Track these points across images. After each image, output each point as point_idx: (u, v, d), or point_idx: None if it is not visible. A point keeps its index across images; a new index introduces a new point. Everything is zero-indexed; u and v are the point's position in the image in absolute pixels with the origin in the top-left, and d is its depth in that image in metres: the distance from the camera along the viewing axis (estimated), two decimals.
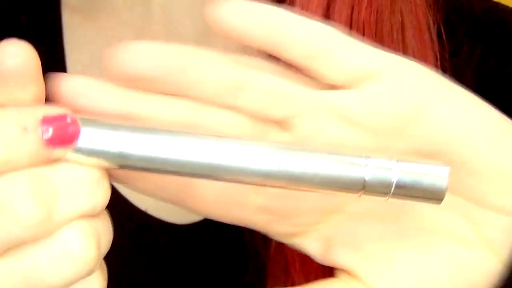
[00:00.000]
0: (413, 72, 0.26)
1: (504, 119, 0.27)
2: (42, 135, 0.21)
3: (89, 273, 0.23)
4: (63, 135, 0.22)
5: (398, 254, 0.28)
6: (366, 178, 0.24)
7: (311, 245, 0.29)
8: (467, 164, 0.26)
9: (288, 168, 0.23)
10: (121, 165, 0.23)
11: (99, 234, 0.23)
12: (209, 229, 0.47)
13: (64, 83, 0.23)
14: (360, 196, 0.24)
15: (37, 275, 0.22)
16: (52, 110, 0.22)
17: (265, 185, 0.24)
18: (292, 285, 0.43)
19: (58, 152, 0.22)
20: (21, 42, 0.21)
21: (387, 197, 0.24)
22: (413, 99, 0.25)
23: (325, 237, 0.29)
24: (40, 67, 0.22)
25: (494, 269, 0.27)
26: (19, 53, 0.21)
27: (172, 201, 0.27)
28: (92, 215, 0.23)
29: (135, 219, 0.45)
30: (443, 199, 0.25)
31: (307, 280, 0.42)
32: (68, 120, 0.22)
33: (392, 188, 0.24)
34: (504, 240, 0.27)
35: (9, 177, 0.21)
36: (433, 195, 0.24)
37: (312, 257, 0.29)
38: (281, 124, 0.26)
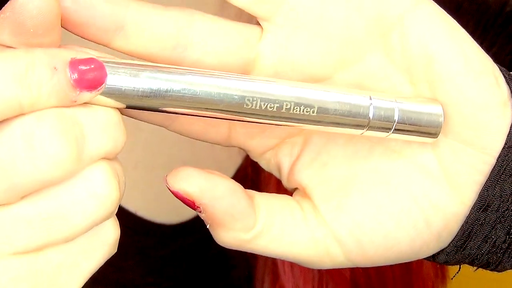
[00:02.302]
0: None
1: (482, 52, 0.26)
2: (70, 77, 0.21)
3: (111, 214, 0.23)
4: (90, 79, 0.22)
5: (356, 180, 0.28)
6: (370, 116, 0.25)
7: (282, 159, 0.29)
8: (443, 93, 0.26)
9: (298, 109, 0.25)
10: (140, 106, 0.24)
11: (119, 176, 0.23)
12: (197, 229, 0.47)
13: None
14: (363, 133, 0.26)
15: (61, 216, 0.22)
16: (79, 54, 0.22)
17: (273, 124, 0.25)
18: (280, 278, 0.43)
19: (84, 96, 0.22)
20: None
21: (388, 134, 0.26)
22: (393, 4, 0.25)
23: (295, 153, 0.29)
24: (60, 15, 0.22)
25: (454, 210, 0.27)
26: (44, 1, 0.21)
27: (157, 123, 0.27)
28: (112, 157, 0.23)
29: (124, 221, 0.45)
30: (438, 134, 0.26)
31: (295, 281, 0.42)
32: (95, 64, 0.22)
33: (394, 125, 0.25)
34: (469, 178, 0.26)
35: (38, 114, 0.21)
36: (430, 131, 0.26)
37: (280, 175, 0.29)
38: (263, 20, 0.26)
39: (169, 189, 0.26)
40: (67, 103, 0.22)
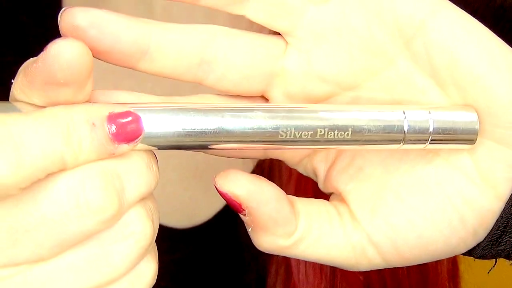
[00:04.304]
0: None
1: (508, 49, 0.26)
2: (109, 131, 0.22)
3: (147, 252, 0.24)
4: (128, 132, 0.23)
5: (391, 183, 0.28)
6: (406, 130, 0.25)
7: (318, 165, 0.29)
8: (472, 94, 0.26)
9: (332, 134, 0.25)
10: (175, 146, 0.24)
11: (153, 214, 0.24)
12: (209, 233, 0.47)
13: (78, 16, 0.23)
14: (400, 148, 0.26)
15: (103, 260, 0.23)
16: (116, 108, 0.23)
17: (309, 149, 0.26)
18: (294, 285, 0.43)
19: (123, 148, 0.23)
20: (75, 41, 0.21)
21: (425, 145, 0.26)
22: (413, 11, 0.25)
23: (330, 158, 0.29)
24: (91, 67, 0.22)
25: (489, 206, 0.27)
26: (74, 53, 0.21)
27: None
28: (146, 197, 0.24)
29: None
30: (475, 140, 0.26)
31: (308, 281, 0.42)
32: (132, 117, 0.23)
33: (430, 137, 0.26)
34: (503, 174, 0.26)
35: (81, 171, 0.22)
36: (466, 138, 0.26)
37: (316, 179, 0.30)
38: (284, 35, 0.26)
39: (217, 190, 0.26)
40: (106, 156, 0.22)
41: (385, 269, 0.43)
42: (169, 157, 0.46)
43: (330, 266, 0.42)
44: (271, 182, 0.27)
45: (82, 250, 0.23)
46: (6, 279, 0.22)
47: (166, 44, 0.24)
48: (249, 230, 0.27)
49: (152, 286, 0.25)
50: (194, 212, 0.47)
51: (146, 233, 0.23)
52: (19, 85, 0.23)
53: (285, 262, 0.43)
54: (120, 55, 0.24)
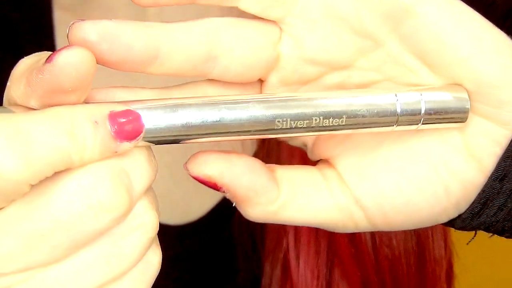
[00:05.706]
0: None
1: (496, 31, 0.27)
2: (111, 129, 0.22)
3: (154, 239, 0.25)
4: (129, 130, 0.23)
5: (380, 149, 0.28)
6: (399, 112, 0.26)
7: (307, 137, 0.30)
8: (459, 76, 0.26)
9: (327, 121, 0.25)
10: (174, 141, 0.25)
11: (154, 203, 0.25)
12: (203, 230, 0.47)
13: (87, 30, 0.23)
14: (393, 130, 0.26)
15: (116, 254, 0.23)
16: (116, 107, 0.23)
17: (304, 136, 0.27)
18: (291, 283, 0.43)
19: (125, 146, 0.23)
20: (79, 48, 0.22)
21: (418, 126, 0.26)
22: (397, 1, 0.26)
23: None
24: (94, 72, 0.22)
25: (472, 179, 0.27)
26: (82, 63, 0.22)
27: None
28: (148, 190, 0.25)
29: None
30: (466, 119, 0.27)
31: (307, 282, 0.42)
32: (132, 116, 0.23)
33: (422, 118, 0.26)
34: (488, 149, 0.27)
35: (90, 171, 0.22)
36: (457, 118, 0.27)
37: (306, 148, 0.30)
38: (279, 22, 0.27)
39: (189, 175, 0.26)
40: (109, 154, 0.23)
41: (385, 270, 0.43)
42: (162, 154, 0.45)
43: (327, 266, 0.42)
44: (244, 155, 0.27)
45: (95, 248, 0.23)
46: (23, 283, 0.22)
47: (175, 47, 0.25)
48: (234, 204, 0.27)
49: (158, 272, 0.26)
50: (187, 209, 0.47)
51: (153, 223, 0.24)
52: (21, 93, 0.23)
53: (282, 261, 0.43)
54: (131, 64, 0.24)
